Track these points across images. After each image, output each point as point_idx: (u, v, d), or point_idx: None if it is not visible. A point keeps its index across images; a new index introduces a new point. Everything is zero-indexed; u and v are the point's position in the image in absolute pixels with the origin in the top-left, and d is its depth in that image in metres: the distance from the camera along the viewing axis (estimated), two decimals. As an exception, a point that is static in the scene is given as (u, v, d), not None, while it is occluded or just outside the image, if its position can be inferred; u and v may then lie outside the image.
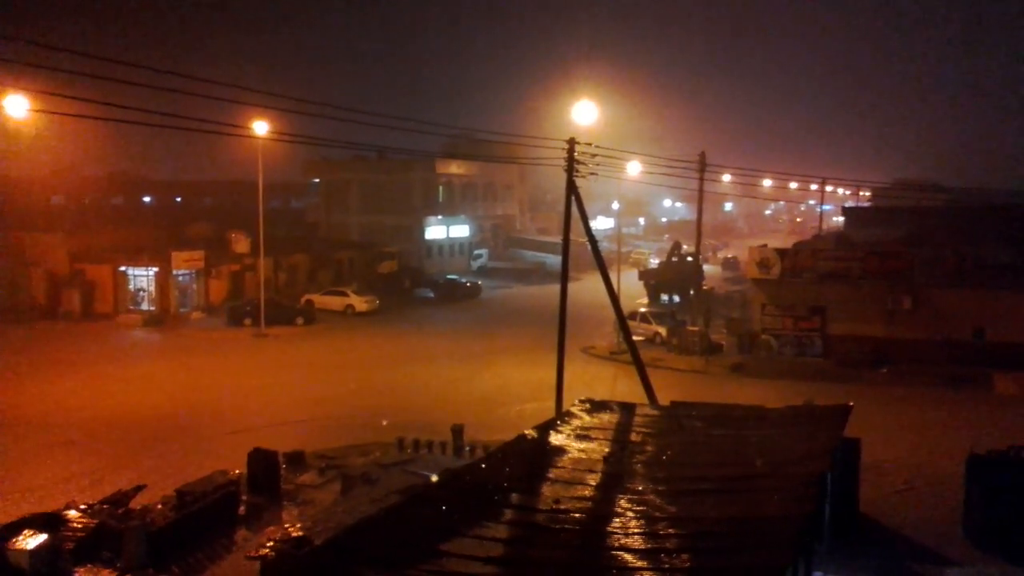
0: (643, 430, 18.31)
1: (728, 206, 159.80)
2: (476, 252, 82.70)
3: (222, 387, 35.27)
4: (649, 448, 16.88)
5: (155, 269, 52.28)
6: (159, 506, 19.22)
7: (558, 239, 30.52)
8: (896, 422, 30.11)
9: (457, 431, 25.29)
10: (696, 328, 42.96)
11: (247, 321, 49.45)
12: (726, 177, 62.72)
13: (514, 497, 13.89)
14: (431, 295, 63.91)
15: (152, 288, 52.65)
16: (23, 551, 16.23)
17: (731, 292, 63.42)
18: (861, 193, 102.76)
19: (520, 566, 11.59)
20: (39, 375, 36.53)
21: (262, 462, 21.83)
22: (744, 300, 51.84)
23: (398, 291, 63.58)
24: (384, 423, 29.20)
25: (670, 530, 12.36)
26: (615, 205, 66.48)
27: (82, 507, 18.80)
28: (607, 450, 16.58)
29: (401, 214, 76.38)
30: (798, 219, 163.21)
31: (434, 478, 21.37)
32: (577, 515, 13.11)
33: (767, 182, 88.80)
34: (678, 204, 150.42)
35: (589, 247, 27.55)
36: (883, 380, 37.28)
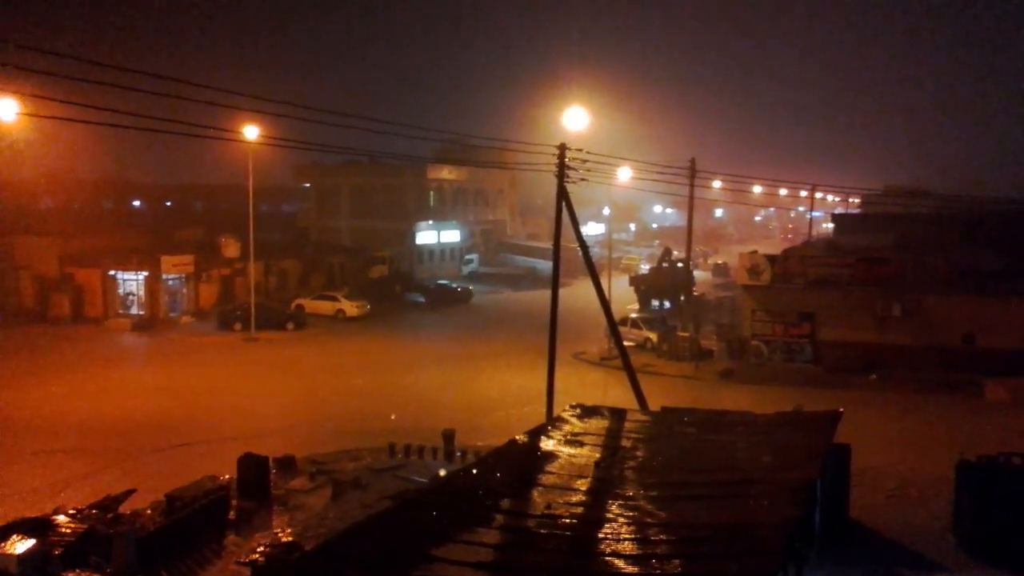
0: (634, 436, 18.34)
1: (718, 212, 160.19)
2: (467, 257, 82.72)
3: (212, 392, 35.16)
4: (640, 454, 16.90)
5: (145, 273, 52.11)
6: (148, 511, 19.13)
7: (549, 244, 30.61)
8: (886, 428, 30.19)
9: (448, 436, 25.26)
10: (686, 334, 43.04)
11: (237, 326, 49.33)
12: (716, 183, 62.84)
13: (505, 502, 13.89)
14: (422, 300, 63.89)
15: (142, 292, 52.48)
16: (11, 556, 16.12)
17: (721, 298, 63.55)
18: (851, 199, 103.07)
19: (511, 571, 11.59)
20: (27, 379, 36.35)
21: (252, 467, 21.75)
22: (734, 306, 51.94)
23: (389, 296, 63.52)
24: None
25: (661, 536, 12.37)
26: (606, 211, 66.55)
27: (71, 512, 18.71)
28: (598, 455, 16.59)
29: (392, 219, 76.37)
30: (790, 225, 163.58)
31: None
32: (568, 520, 13.12)
33: (757, 188, 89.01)
34: (669, 210, 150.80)
35: (580, 253, 27.58)
36: (873, 386, 37.39)
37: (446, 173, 79.96)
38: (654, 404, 24.74)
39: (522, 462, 16.08)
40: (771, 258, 43.66)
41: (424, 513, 13.26)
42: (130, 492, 20.59)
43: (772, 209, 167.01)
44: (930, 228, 54.72)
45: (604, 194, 54.88)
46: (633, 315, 48.85)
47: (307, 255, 65.57)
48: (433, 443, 25.20)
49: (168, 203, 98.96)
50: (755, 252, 46.77)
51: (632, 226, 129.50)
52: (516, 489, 14.52)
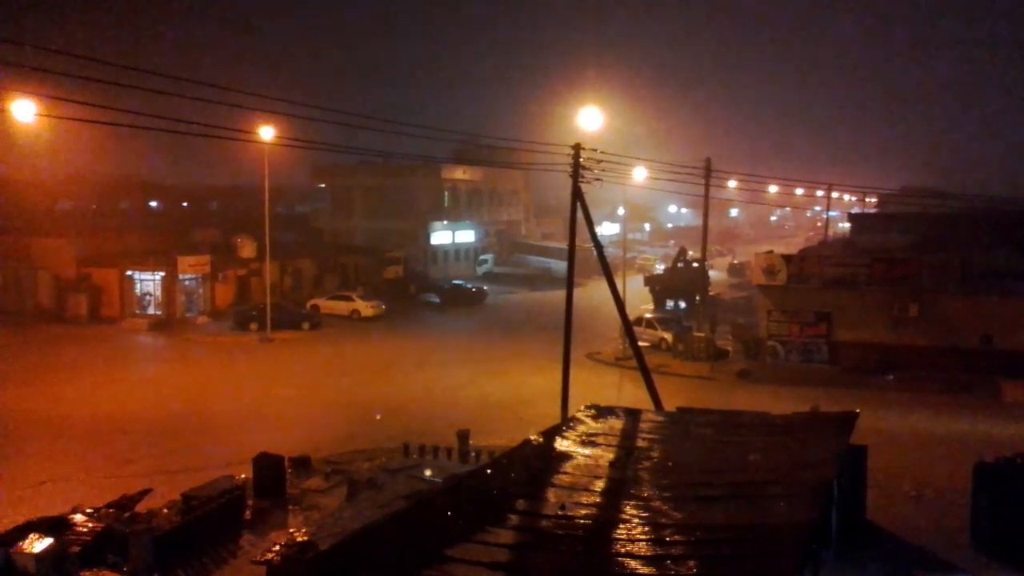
0: (649, 436, 18.28)
1: (734, 212, 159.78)
2: (482, 257, 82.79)
3: (228, 391, 35.31)
4: (655, 454, 16.84)
5: (162, 273, 52.39)
6: (165, 510, 19.23)
7: (563, 244, 30.59)
8: (903, 429, 30.03)
9: (463, 436, 25.26)
10: (702, 334, 42.91)
11: (253, 326, 49.52)
12: (732, 183, 62.64)
13: (519, 503, 13.86)
14: (437, 300, 63.95)
15: (158, 292, 52.76)
16: (29, 555, 16.24)
17: (737, 298, 63.39)
18: (868, 199, 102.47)
19: (525, 572, 11.57)
20: (45, 379, 36.61)
21: (268, 467, 21.84)
22: (750, 306, 51.78)
23: (404, 296, 63.64)
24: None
25: (676, 537, 12.32)
26: (620, 211, 66.47)
27: (88, 511, 18.82)
28: (612, 456, 16.55)
29: (407, 219, 76.50)
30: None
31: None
32: (582, 521, 13.09)
33: (773, 188, 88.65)
34: (684, 210, 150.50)
35: (595, 253, 27.54)
36: (889, 387, 37.20)
37: (460, 173, 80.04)
38: (669, 404, 24.68)
39: (537, 462, 16.05)
40: (787, 258, 43.48)
41: (439, 513, 13.26)
42: (146, 491, 20.70)
43: (788, 209, 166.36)
44: (947, 228, 54.43)
45: (619, 194, 54.78)
46: (648, 315, 48.76)
47: (322, 255, 65.74)
48: (448, 443, 25.22)
49: (185, 204, 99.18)
50: (771, 252, 46.59)
51: (647, 226, 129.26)
52: (531, 489, 14.49)
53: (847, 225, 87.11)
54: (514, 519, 13.13)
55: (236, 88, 20.04)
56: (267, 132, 39.22)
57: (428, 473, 23.34)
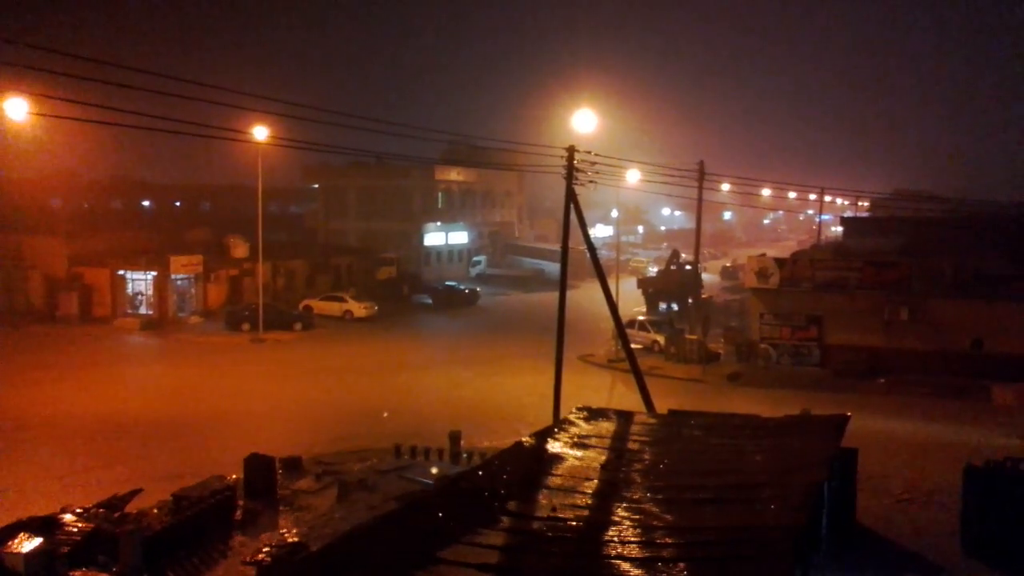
0: (640, 438, 18.29)
1: (727, 215, 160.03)
2: (475, 259, 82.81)
3: (219, 392, 35.21)
4: (646, 457, 16.85)
5: (153, 273, 52.24)
6: (155, 511, 19.14)
7: (557, 246, 30.64)
8: (893, 432, 30.10)
9: (454, 437, 25.26)
10: (694, 337, 42.97)
11: (245, 326, 49.41)
12: (725, 186, 62.76)
13: (511, 504, 13.85)
14: (429, 301, 63.92)
15: (150, 292, 52.61)
16: (18, 555, 16.15)
17: (729, 301, 63.49)
18: (859, 203, 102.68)
19: (516, 574, 11.57)
20: (35, 379, 36.45)
21: (259, 467, 21.78)
22: (742, 309, 51.87)
23: (396, 297, 63.58)
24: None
25: (667, 539, 12.33)
26: (614, 213, 66.57)
27: (77, 511, 18.72)
28: (604, 458, 16.55)
29: (400, 220, 76.48)
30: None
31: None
32: (574, 523, 13.09)
33: (766, 191, 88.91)
34: (677, 213, 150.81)
35: (588, 255, 27.57)
36: (880, 390, 37.28)
37: (454, 174, 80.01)
38: (661, 407, 24.70)
39: (528, 464, 16.04)
40: (779, 261, 43.62)
41: (430, 515, 13.25)
42: (136, 491, 20.62)
43: (781, 212, 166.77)
44: (938, 232, 54.58)
45: (612, 196, 54.83)
46: (641, 317, 48.78)
47: (315, 256, 65.65)
48: (439, 444, 25.21)
49: (177, 203, 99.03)
50: (763, 255, 46.70)
51: (640, 229, 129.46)
52: (522, 491, 14.48)
53: (840, 229, 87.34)
54: (505, 521, 13.12)
55: (229, 87, 20.02)
56: (260, 132, 39.14)
57: (429, 472, 23.34)
